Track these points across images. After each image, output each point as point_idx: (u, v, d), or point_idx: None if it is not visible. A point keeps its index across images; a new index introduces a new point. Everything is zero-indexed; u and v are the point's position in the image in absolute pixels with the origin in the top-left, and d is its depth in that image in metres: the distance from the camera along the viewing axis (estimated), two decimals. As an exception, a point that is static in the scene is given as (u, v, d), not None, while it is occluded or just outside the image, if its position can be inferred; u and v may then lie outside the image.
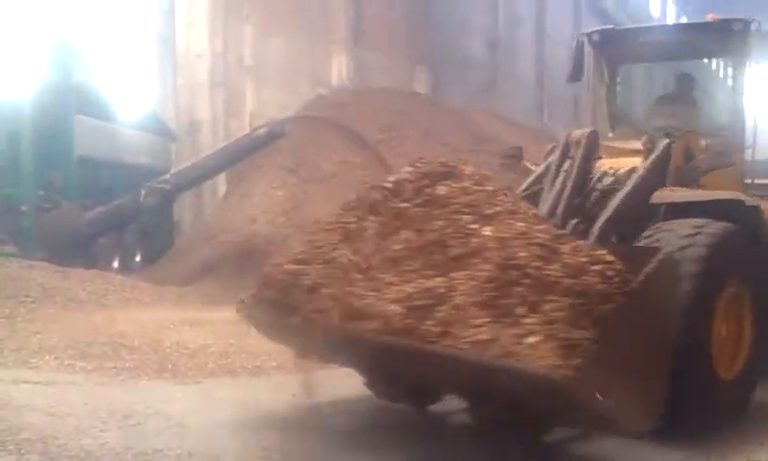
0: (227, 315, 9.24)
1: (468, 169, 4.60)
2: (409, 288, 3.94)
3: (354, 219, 4.48)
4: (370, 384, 4.93)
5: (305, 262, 4.43)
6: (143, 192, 11.62)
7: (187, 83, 15.63)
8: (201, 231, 13.70)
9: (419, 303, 3.84)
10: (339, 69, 17.91)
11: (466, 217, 4.19)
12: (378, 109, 13.78)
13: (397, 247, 4.20)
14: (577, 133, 5.76)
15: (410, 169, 4.67)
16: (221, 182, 14.91)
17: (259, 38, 16.65)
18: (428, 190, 4.43)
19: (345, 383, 5.24)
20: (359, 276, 4.16)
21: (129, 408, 4.99)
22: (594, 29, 7.14)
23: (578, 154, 5.59)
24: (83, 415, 4.77)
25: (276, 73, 16.66)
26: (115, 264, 12.95)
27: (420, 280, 3.97)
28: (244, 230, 12.12)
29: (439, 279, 3.93)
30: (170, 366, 6.44)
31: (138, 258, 13.73)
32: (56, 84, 11.68)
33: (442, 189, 4.42)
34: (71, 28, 13.24)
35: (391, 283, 4.03)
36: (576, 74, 6.93)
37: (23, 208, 10.76)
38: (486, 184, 4.45)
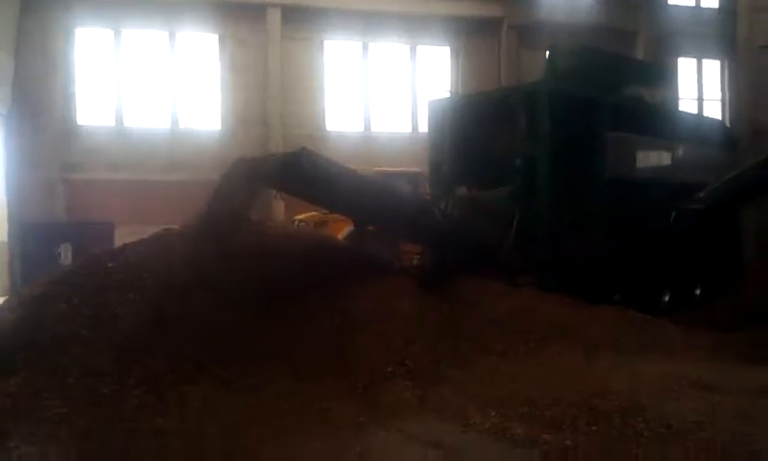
0: (757, 380, 6.76)
1: None
2: None
3: None
4: None
5: None
6: (673, 215, 9.63)
7: (752, 81, 12.89)
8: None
9: None
10: None
11: None
12: None
13: None
14: None
15: None
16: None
17: None
18: None
19: None
20: None
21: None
22: None
23: None
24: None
25: None
26: (665, 299, 11.22)
27: None
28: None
29: None
30: (622, 453, 4.66)
31: (698, 292, 11.65)
32: (583, 100, 10.57)
33: None
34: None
35: None
36: None
37: (538, 236, 9.88)
38: None
